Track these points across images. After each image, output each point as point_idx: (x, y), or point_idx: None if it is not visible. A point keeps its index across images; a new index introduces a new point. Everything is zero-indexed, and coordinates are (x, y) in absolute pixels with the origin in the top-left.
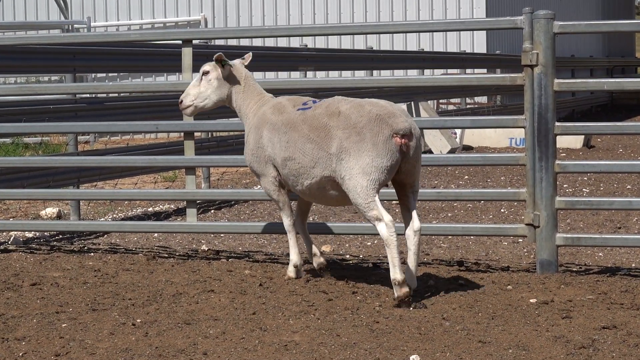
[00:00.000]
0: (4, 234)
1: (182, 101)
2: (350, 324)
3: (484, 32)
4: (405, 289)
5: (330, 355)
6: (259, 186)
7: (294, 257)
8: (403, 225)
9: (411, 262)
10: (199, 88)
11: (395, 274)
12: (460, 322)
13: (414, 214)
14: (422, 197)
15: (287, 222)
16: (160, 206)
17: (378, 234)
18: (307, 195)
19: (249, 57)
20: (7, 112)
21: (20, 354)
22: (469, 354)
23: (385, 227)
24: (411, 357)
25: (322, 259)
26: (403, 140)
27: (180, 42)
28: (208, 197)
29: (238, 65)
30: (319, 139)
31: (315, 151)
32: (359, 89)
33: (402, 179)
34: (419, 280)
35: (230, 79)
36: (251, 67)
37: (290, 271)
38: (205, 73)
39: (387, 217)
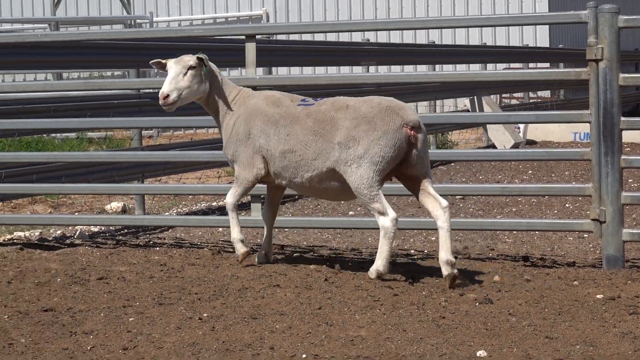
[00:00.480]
0: (70, 228)
1: (168, 95)
2: (417, 319)
3: (547, 26)
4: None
5: (396, 351)
6: None
7: (235, 235)
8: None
9: (446, 241)
10: (183, 82)
11: (383, 266)
12: (526, 317)
13: (437, 196)
14: (486, 191)
15: (231, 200)
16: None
17: None
18: (306, 188)
19: None
20: (72, 107)
21: (89, 348)
22: (536, 349)
23: (389, 220)
24: (478, 353)
25: (271, 258)
26: (412, 132)
27: (243, 37)
28: None
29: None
30: (324, 130)
31: (319, 143)
32: (421, 83)
33: (415, 172)
34: (484, 276)
35: (210, 74)
36: (313, 62)
37: (239, 248)
38: (192, 67)
39: (392, 213)
